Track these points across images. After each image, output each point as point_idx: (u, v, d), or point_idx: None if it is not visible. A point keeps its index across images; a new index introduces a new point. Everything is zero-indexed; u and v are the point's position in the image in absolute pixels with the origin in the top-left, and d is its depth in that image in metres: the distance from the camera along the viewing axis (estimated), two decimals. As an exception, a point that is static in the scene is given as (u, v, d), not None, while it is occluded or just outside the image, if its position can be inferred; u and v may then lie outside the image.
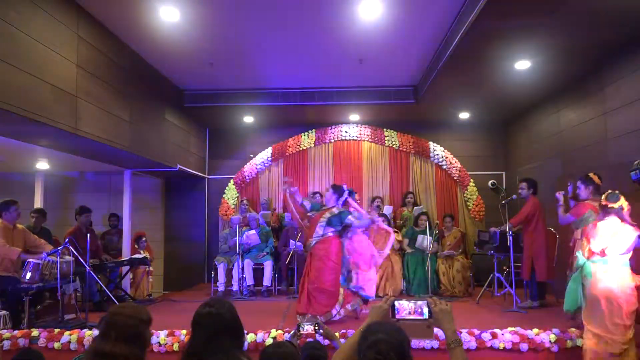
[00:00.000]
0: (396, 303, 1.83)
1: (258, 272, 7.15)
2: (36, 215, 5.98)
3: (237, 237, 6.96)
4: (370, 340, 1.55)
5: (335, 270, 5.02)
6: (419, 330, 1.82)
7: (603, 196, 3.78)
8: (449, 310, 1.80)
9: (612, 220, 3.69)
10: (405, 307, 1.83)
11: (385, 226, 5.79)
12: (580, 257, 3.80)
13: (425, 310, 1.81)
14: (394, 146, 8.56)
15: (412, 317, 1.82)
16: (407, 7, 4.74)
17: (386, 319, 1.84)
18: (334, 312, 4.96)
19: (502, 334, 4.11)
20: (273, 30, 5.26)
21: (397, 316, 1.83)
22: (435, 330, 1.85)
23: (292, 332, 2.69)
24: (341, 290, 5.04)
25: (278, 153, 8.62)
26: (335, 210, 5.17)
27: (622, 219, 3.67)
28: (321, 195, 8.08)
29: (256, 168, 8.62)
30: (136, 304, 2.39)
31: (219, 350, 1.81)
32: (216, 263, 7.18)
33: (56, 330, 4.40)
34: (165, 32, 5.24)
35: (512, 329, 4.19)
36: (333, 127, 8.63)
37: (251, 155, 8.67)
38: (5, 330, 4.40)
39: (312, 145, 8.64)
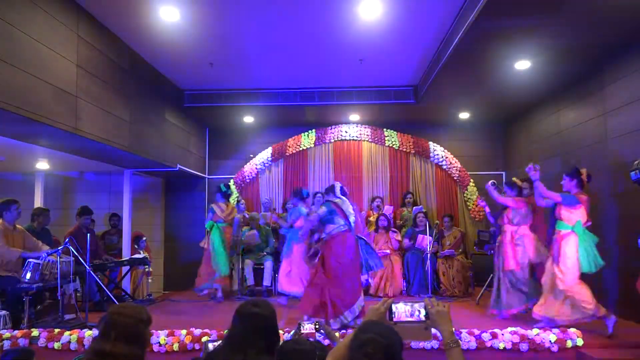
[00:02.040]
0: (393, 306, 1.83)
1: (258, 272, 7.15)
2: (41, 215, 5.97)
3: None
4: (360, 340, 1.53)
5: None
6: (417, 332, 1.82)
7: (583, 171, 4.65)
8: (445, 311, 1.80)
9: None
10: (403, 310, 1.83)
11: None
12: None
13: (422, 312, 1.81)
14: (394, 146, 8.55)
15: (409, 319, 1.82)
16: (407, 7, 4.74)
17: (382, 322, 1.83)
18: None
19: (502, 334, 4.11)
20: (273, 30, 5.26)
21: (395, 319, 1.83)
22: (434, 331, 1.84)
23: (292, 332, 2.69)
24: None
25: (278, 153, 8.62)
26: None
27: None
28: (322, 195, 8.06)
29: (256, 168, 8.62)
30: (136, 304, 2.39)
31: (252, 348, 1.86)
32: (216, 263, 7.18)
33: (56, 330, 4.40)
34: (165, 32, 5.24)
35: (512, 329, 4.19)
36: (333, 127, 8.62)
37: (251, 155, 8.67)
38: (5, 330, 4.40)
39: (312, 145, 8.64)
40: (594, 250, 4.43)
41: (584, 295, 4.37)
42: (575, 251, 4.42)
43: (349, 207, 5.01)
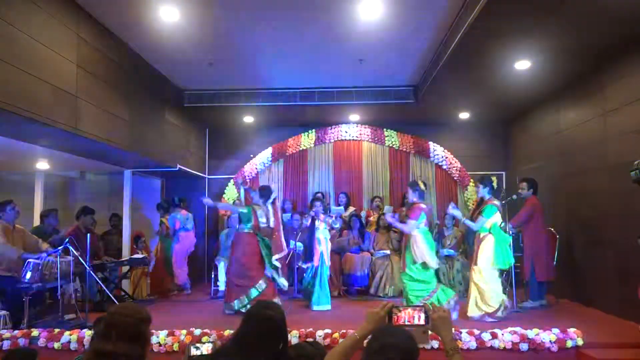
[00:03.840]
0: (393, 310, 1.82)
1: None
2: (49, 216, 5.96)
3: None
4: (379, 344, 1.53)
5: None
6: (415, 336, 1.82)
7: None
8: (447, 317, 1.79)
9: None
10: (402, 314, 1.82)
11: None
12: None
13: (422, 316, 1.80)
14: (394, 146, 8.55)
15: (408, 323, 1.81)
16: (407, 7, 4.74)
17: (382, 325, 1.81)
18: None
19: (502, 334, 4.11)
20: (273, 30, 5.26)
21: (394, 323, 1.81)
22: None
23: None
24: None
25: (278, 153, 8.62)
26: None
27: None
28: (323, 195, 8.08)
29: (256, 168, 8.62)
30: (136, 303, 2.39)
31: (261, 352, 1.83)
32: (216, 263, 7.19)
33: (56, 330, 4.40)
34: (165, 32, 5.24)
35: (512, 329, 4.19)
36: (333, 127, 8.62)
37: (251, 155, 8.67)
38: (5, 330, 4.40)
39: (312, 145, 8.64)
40: (507, 249, 5.07)
41: (494, 293, 4.96)
42: (492, 249, 5.01)
43: (265, 214, 5.74)
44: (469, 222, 5.29)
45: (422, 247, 5.19)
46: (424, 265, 5.18)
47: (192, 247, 7.30)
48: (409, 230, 5.24)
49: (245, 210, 5.73)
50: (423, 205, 5.38)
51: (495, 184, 5.33)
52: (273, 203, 5.90)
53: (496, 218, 5.12)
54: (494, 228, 5.09)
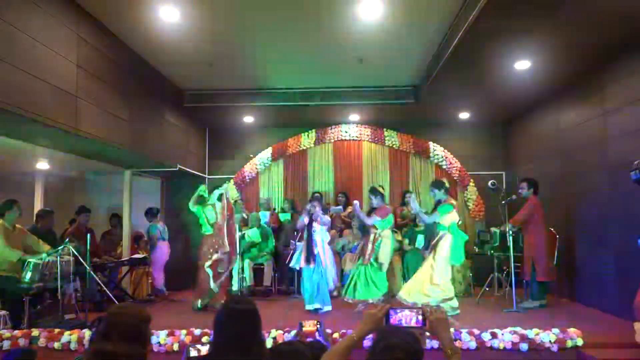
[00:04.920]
0: (391, 311, 1.82)
1: (258, 272, 7.15)
2: (45, 217, 5.95)
3: (237, 237, 6.95)
4: (385, 344, 1.53)
5: None
6: None
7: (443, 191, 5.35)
8: (445, 319, 1.78)
9: None
10: (400, 316, 1.81)
11: None
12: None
13: (420, 318, 1.80)
14: (394, 146, 8.55)
15: (405, 325, 1.80)
16: (407, 7, 4.74)
17: (382, 326, 1.81)
18: None
19: (502, 334, 4.11)
20: (273, 30, 5.26)
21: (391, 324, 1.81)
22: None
23: (294, 332, 2.68)
24: None
25: (278, 153, 8.62)
26: None
27: None
28: (321, 196, 8.08)
29: (256, 168, 8.62)
30: (136, 303, 2.39)
31: (250, 345, 1.83)
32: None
33: (56, 330, 4.40)
34: (165, 32, 5.24)
35: (512, 329, 4.19)
36: (333, 127, 8.62)
37: (251, 155, 8.67)
38: (5, 330, 4.40)
39: (312, 145, 8.64)
40: (461, 247, 5.26)
41: (448, 288, 5.15)
42: (448, 248, 5.17)
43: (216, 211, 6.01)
44: (422, 215, 5.50)
45: (387, 248, 5.58)
46: (381, 267, 5.54)
47: (167, 256, 7.30)
48: (370, 223, 5.65)
49: (194, 210, 6.01)
50: (389, 208, 5.83)
51: (447, 185, 5.53)
52: (220, 199, 6.02)
53: (453, 216, 5.26)
54: (452, 227, 5.23)
